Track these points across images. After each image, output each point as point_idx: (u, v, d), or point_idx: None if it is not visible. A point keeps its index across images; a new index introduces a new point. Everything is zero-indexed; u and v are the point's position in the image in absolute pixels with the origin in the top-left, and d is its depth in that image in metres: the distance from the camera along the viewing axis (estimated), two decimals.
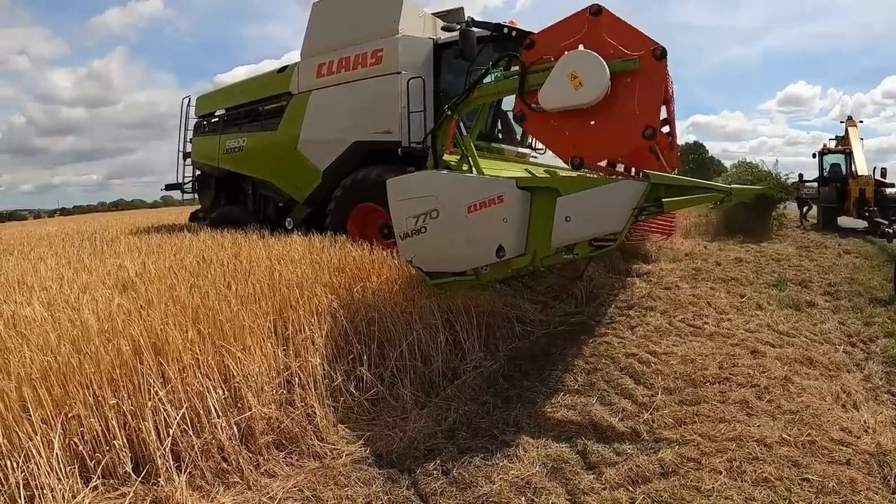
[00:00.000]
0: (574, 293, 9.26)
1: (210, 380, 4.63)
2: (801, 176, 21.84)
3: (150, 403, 4.27)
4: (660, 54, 6.19)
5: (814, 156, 22.36)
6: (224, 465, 4.33)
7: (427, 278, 7.32)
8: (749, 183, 17.22)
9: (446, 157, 7.86)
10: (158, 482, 4.00)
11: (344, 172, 11.79)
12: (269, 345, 5.34)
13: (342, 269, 7.51)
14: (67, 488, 3.70)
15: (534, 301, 8.74)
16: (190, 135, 16.71)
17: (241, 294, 6.07)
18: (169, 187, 17.74)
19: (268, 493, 4.10)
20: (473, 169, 7.68)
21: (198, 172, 16.73)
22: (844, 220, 19.89)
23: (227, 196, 15.93)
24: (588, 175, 6.94)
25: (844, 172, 20.91)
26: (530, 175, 7.75)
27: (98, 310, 5.53)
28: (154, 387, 4.36)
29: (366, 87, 11.56)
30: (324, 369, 5.35)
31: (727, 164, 68.40)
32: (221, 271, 7.15)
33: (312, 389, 5.12)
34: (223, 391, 4.64)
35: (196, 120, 16.73)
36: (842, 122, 22.31)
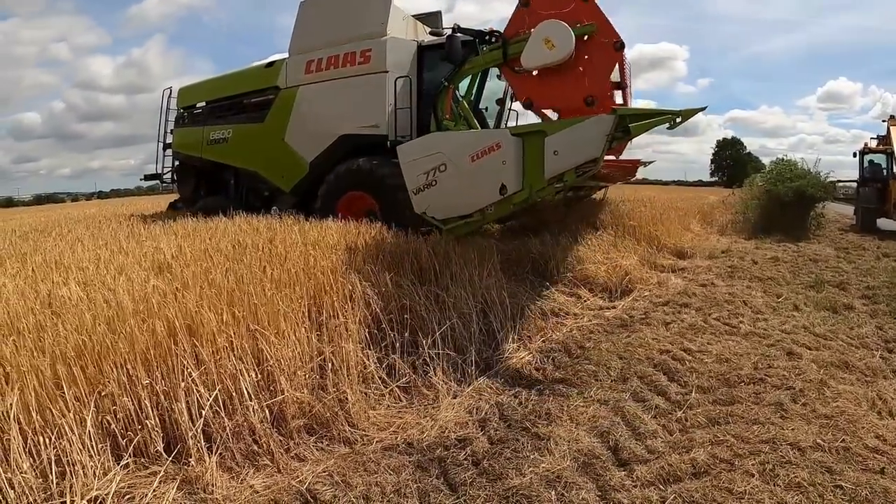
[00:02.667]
0: (608, 287, 9.22)
1: (243, 363, 4.66)
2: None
3: (183, 384, 4.31)
4: (617, 45, 8.71)
5: (854, 155, 21.91)
6: (255, 447, 4.34)
7: (441, 226, 8.88)
8: (789, 181, 17.09)
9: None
10: (189, 462, 4.03)
11: (330, 163, 12.63)
12: (303, 330, 5.35)
13: (376, 256, 7.56)
14: (99, 465, 3.73)
15: (568, 294, 8.73)
16: (171, 126, 17.05)
17: (276, 279, 6.10)
18: (148, 177, 18.11)
19: (297, 477, 4.10)
20: (470, 126, 10.50)
21: (176, 163, 17.06)
22: (884, 223, 19.51)
23: (208, 186, 16.39)
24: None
25: (885, 173, 20.50)
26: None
27: (133, 291, 5.60)
28: (188, 368, 4.40)
29: (354, 84, 12.39)
30: (357, 356, 5.34)
31: (765, 161, 67.48)
32: (257, 255, 7.19)
33: (345, 375, 5.11)
34: (256, 374, 4.66)
35: (178, 111, 17.02)
36: (883, 120, 21.80)
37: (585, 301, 8.68)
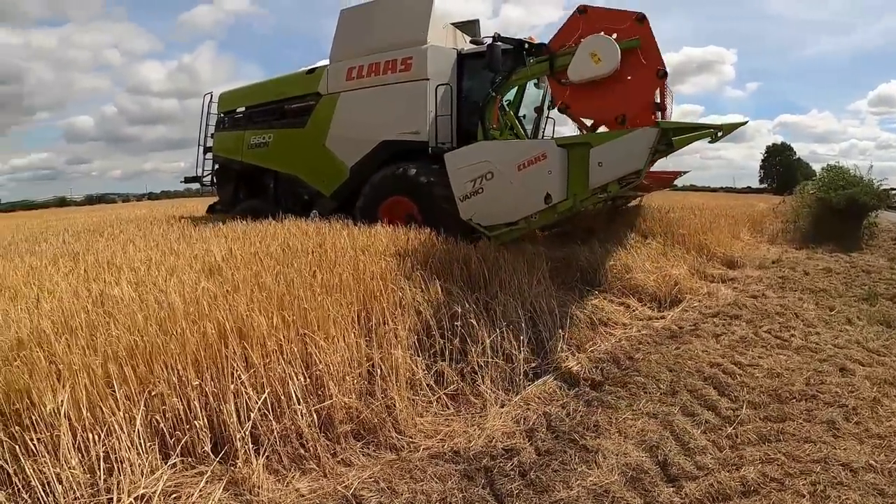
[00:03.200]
0: (658, 296, 9.17)
1: (292, 366, 4.70)
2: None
3: (232, 386, 4.38)
4: (639, 18, 9.06)
5: None
6: (301, 450, 4.39)
7: (486, 232, 9.11)
8: (840, 189, 16.82)
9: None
10: (236, 463, 4.09)
11: (370, 168, 12.85)
12: (353, 335, 5.38)
13: (425, 263, 7.58)
14: (146, 463, 3.81)
15: (617, 303, 8.67)
16: (212, 130, 17.39)
17: (326, 283, 6.14)
18: (188, 180, 18.62)
19: (343, 482, 4.13)
20: (517, 136, 10.99)
21: (216, 166, 17.41)
22: None
23: (247, 189, 16.69)
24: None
25: None
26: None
27: (185, 292, 5.67)
28: (237, 370, 4.47)
29: (395, 92, 12.64)
30: (405, 362, 5.36)
31: (816, 167, 66.32)
32: (307, 260, 7.23)
33: (393, 382, 5.13)
34: (304, 378, 4.71)
35: (218, 115, 17.34)
36: None
37: (634, 311, 8.61)
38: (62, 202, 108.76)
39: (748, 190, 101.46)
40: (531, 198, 8.66)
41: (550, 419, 5.11)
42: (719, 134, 8.06)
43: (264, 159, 15.53)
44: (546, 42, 10.73)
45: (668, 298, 9.22)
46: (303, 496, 3.99)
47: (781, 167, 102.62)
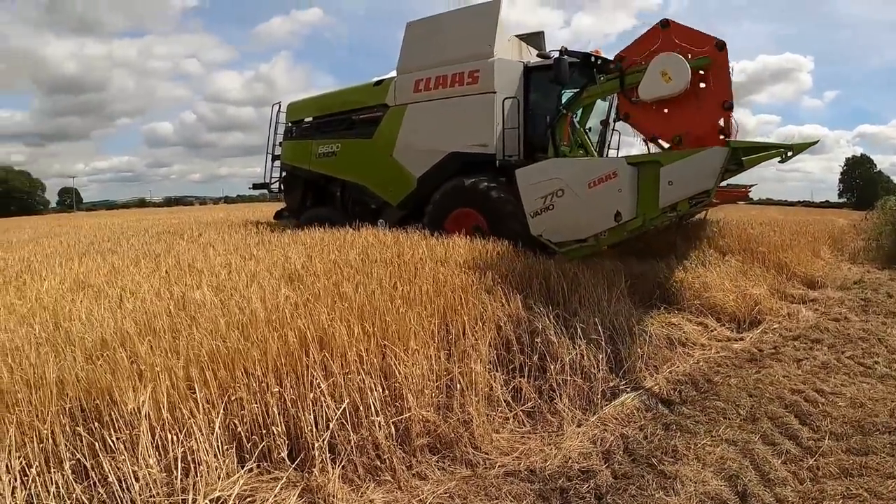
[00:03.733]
0: (736, 317, 9.06)
1: (371, 377, 4.74)
2: None
3: (311, 395, 4.44)
4: (719, 45, 8.86)
5: None
6: (377, 462, 4.44)
7: (556, 248, 9.19)
8: None
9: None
10: (312, 471, 4.14)
11: (438, 179, 13.04)
12: (432, 348, 5.42)
13: (505, 277, 7.59)
14: (223, 466, 3.88)
15: (695, 322, 8.59)
16: (279, 139, 17.76)
17: (406, 295, 6.18)
18: (256, 186, 18.96)
19: (418, 496, 4.17)
20: (588, 154, 11.25)
21: (283, 174, 17.77)
22: None
23: (314, 197, 17.04)
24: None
25: None
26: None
27: (265, 298, 5.80)
28: (317, 379, 4.53)
29: (463, 104, 12.79)
30: (484, 377, 5.38)
31: None
32: (386, 270, 7.30)
33: (472, 396, 5.15)
34: (383, 390, 4.74)
35: (286, 125, 17.71)
36: None
37: (712, 331, 8.54)
38: (142, 203, 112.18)
39: (826, 204, 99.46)
40: (601, 215, 8.69)
41: (628, 441, 5.08)
42: (789, 154, 8.23)
43: (332, 168, 15.88)
44: (611, 56, 10.87)
45: (748, 319, 9.11)
46: None
47: (861, 180, 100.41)
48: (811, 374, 6.76)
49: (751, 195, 12.98)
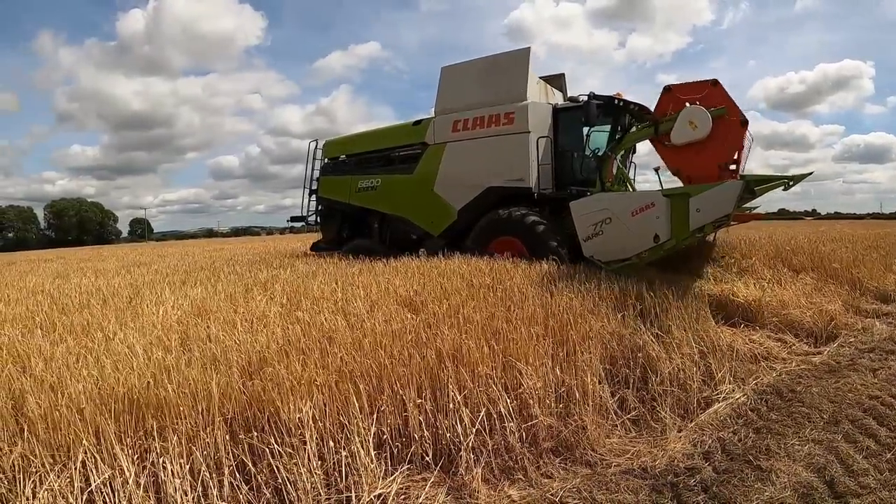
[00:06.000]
0: (813, 332, 9.57)
1: (500, 389, 5.42)
2: None
3: (451, 405, 5.11)
4: (713, 83, 11.45)
5: None
6: (511, 463, 5.06)
7: (605, 266, 10.93)
8: None
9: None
10: (457, 471, 4.81)
11: (477, 211, 14.69)
12: (549, 362, 6.09)
13: (604, 297, 8.30)
14: (380, 469, 4.61)
15: (775, 338, 9.12)
16: (317, 174, 18.84)
17: (521, 317, 6.91)
18: (294, 219, 20.21)
19: (549, 491, 4.75)
20: (629, 188, 14.31)
21: (320, 207, 18.83)
22: None
23: (350, 229, 18.13)
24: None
25: None
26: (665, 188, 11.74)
27: (393, 322, 6.60)
28: (453, 391, 5.21)
29: (499, 143, 14.50)
30: (594, 388, 5.99)
31: None
32: (496, 295, 8.08)
33: (587, 405, 5.78)
34: (511, 400, 5.38)
35: (323, 161, 18.86)
36: None
37: (791, 346, 9.01)
38: (210, 233, 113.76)
39: None
40: (642, 238, 10.69)
41: (724, 443, 5.61)
42: (791, 183, 11.01)
43: (373, 202, 17.10)
44: (634, 101, 13.93)
45: (824, 334, 9.55)
46: (514, 501, 4.64)
47: None
48: (887, 381, 7.21)
49: (759, 211, 14.24)
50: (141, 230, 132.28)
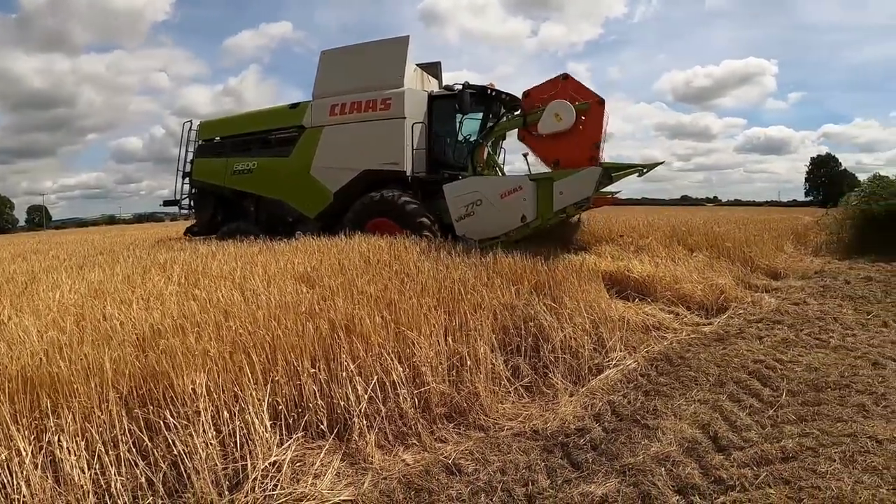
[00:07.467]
0: (705, 305, 9.88)
1: (393, 358, 5.47)
2: None
3: (344, 374, 5.14)
4: (600, 102, 12.12)
5: None
6: (405, 428, 5.13)
7: (477, 243, 11.61)
8: (883, 199, 17.07)
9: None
10: (351, 438, 4.85)
11: (353, 194, 15.05)
12: (442, 332, 6.18)
13: (499, 272, 8.45)
14: (275, 436, 4.59)
15: (667, 311, 9.41)
16: (191, 156, 18.51)
17: (414, 289, 6.99)
18: (167, 203, 19.69)
19: (443, 454, 4.83)
20: (499, 172, 15.49)
21: (194, 191, 18.50)
22: None
23: (225, 212, 17.95)
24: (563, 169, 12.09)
25: None
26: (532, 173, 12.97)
27: (289, 295, 6.60)
28: (346, 361, 5.26)
29: (376, 127, 14.91)
30: (486, 356, 6.09)
31: (862, 177, 65.86)
32: (392, 269, 8.17)
33: (478, 373, 5.87)
34: (404, 368, 5.46)
35: (198, 143, 18.52)
36: None
37: (683, 318, 9.29)
38: (111, 220, 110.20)
39: (794, 203, 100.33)
40: (511, 218, 12.19)
41: (614, 405, 5.79)
42: (644, 170, 12.71)
43: (249, 185, 17.02)
44: (506, 91, 15.21)
45: (715, 307, 9.90)
46: (409, 465, 4.68)
47: (827, 179, 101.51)
48: (772, 347, 7.50)
49: (619, 196, 15.28)
50: (39, 218, 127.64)
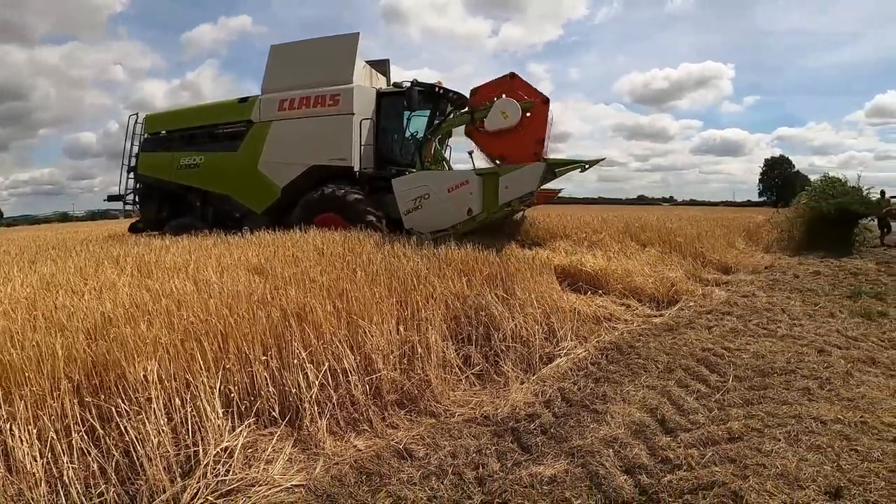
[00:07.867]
0: (656, 297, 10.00)
1: (344, 346, 5.49)
2: (883, 192, 20.93)
3: (295, 361, 5.15)
4: (545, 101, 12.74)
5: None
6: (356, 415, 5.16)
7: (427, 236, 11.85)
8: (832, 199, 17.45)
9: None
10: (303, 424, 4.86)
11: (301, 189, 14.90)
12: (394, 321, 6.20)
13: (450, 263, 8.50)
14: (227, 423, 4.59)
15: (619, 303, 9.51)
16: (136, 150, 17.96)
17: (366, 279, 7.01)
18: (111, 198, 19.00)
19: (394, 440, 4.88)
20: (446, 168, 15.59)
21: (139, 185, 18.01)
22: None
23: (171, 208, 17.56)
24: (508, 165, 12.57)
25: None
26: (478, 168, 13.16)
27: (240, 284, 6.60)
28: (298, 349, 5.26)
29: (324, 123, 14.80)
30: (438, 345, 6.14)
31: (814, 179, 66.91)
32: (344, 260, 8.19)
33: (429, 361, 5.91)
34: (355, 356, 5.48)
35: (144, 136, 17.96)
36: None
37: (635, 310, 9.43)
38: (64, 217, 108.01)
39: (748, 203, 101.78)
40: (457, 211, 12.38)
41: (564, 392, 5.87)
42: (587, 166, 12.65)
43: (195, 179, 16.69)
44: (454, 90, 15.56)
45: (666, 299, 10.05)
46: (360, 451, 4.72)
47: (780, 180, 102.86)
48: (720, 336, 7.66)
49: (560, 194, 16.16)
50: None
